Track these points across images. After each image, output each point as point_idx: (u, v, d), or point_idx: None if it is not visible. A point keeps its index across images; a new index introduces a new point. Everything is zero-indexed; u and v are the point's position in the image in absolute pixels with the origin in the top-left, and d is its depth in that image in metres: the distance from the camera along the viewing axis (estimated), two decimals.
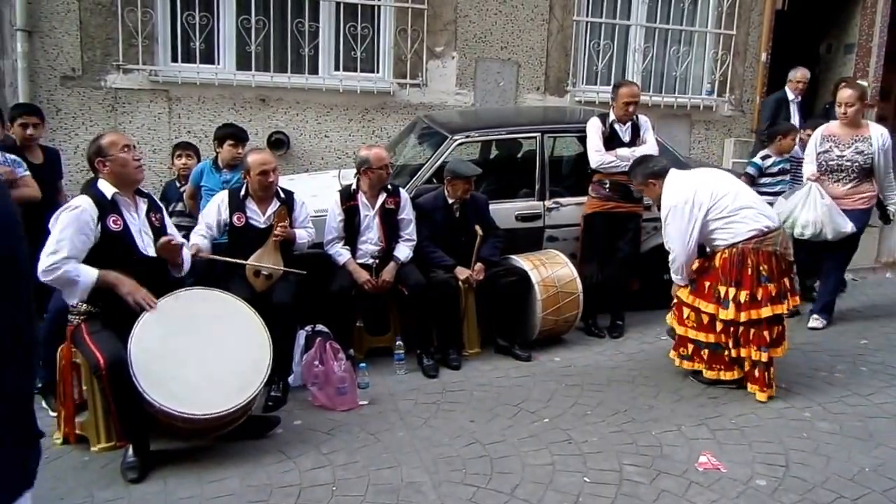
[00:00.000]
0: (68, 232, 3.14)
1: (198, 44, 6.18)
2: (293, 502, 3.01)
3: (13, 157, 4.04)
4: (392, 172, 4.54)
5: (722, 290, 3.87)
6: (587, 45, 7.37)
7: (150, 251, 3.38)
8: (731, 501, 3.04)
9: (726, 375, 4.05)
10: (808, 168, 4.98)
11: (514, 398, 4.00)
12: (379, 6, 6.64)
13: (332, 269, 4.38)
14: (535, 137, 5.13)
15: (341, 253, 4.40)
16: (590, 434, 3.59)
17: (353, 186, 4.48)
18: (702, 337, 4.01)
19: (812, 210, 4.73)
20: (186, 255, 3.58)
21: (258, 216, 4.11)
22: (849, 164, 4.80)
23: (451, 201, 4.59)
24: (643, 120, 5.03)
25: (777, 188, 5.47)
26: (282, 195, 4.18)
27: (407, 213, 4.53)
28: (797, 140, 5.55)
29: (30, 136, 4.40)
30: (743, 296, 3.82)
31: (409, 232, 4.53)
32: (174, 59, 6.22)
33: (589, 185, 4.97)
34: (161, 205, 3.65)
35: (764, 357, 3.90)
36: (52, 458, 3.33)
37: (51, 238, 3.15)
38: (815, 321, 5.14)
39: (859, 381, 4.26)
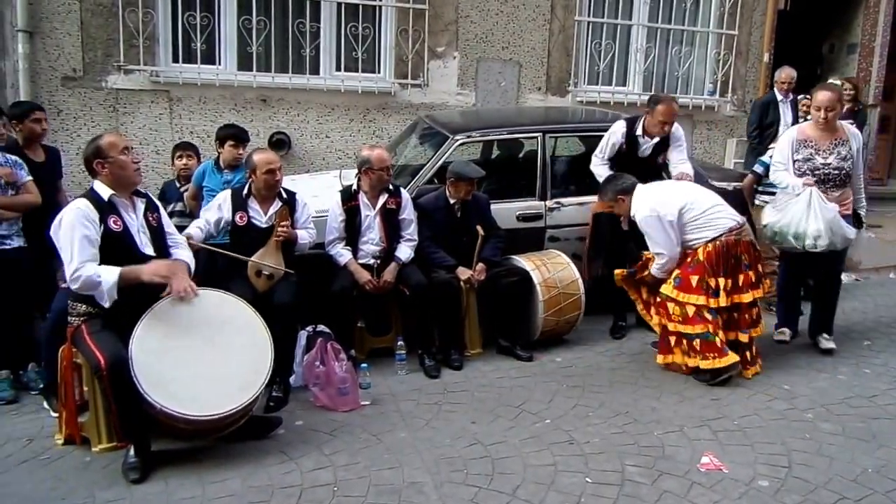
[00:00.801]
0: (74, 236, 3.14)
1: (199, 44, 6.18)
2: (294, 502, 3.01)
3: (14, 158, 4.03)
4: (393, 173, 4.54)
5: (711, 281, 4.10)
6: (589, 45, 7.36)
7: (149, 250, 3.37)
8: (733, 502, 3.03)
9: (722, 362, 4.10)
10: (788, 175, 4.49)
11: (516, 399, 3.99)
12: (380, 6, 6.64)
13: (333, 270, 4.37)
14: (536, 137, 5.12)
15: (342, 253, 4.40)
16: (592, 435, 3.58)
17: (354, 187, 4.48)
18: (689, 329, 4.12)
19: (820, 218, 4.31)
20: (191, 262, 3.57)
21: (260, 216, 4.11)
22: (836, 172, 4.41)
23: (452, 201, 4.58)
24: (676, 135, 4.87)
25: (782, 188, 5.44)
26: (284, 195, 4.18)
27: (408, 213, 4.52)
28: None
29: (43, 131, 4.38)
30: (728, 283, 4.13)
31: (411, 232, 4.53)
32: (175, 60, 6.22)
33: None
34: (159, 204, 3.64)
35: (745, 338, 4.27)
36: (54, 459, 3.34)
37: (63, 250, 3.16)
38: (829, 342, 4.75)
39: (862, 383, 4.25)
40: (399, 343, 4.36)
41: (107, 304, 3.18)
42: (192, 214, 4.67)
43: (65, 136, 5.88)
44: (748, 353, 4.30)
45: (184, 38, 6.17)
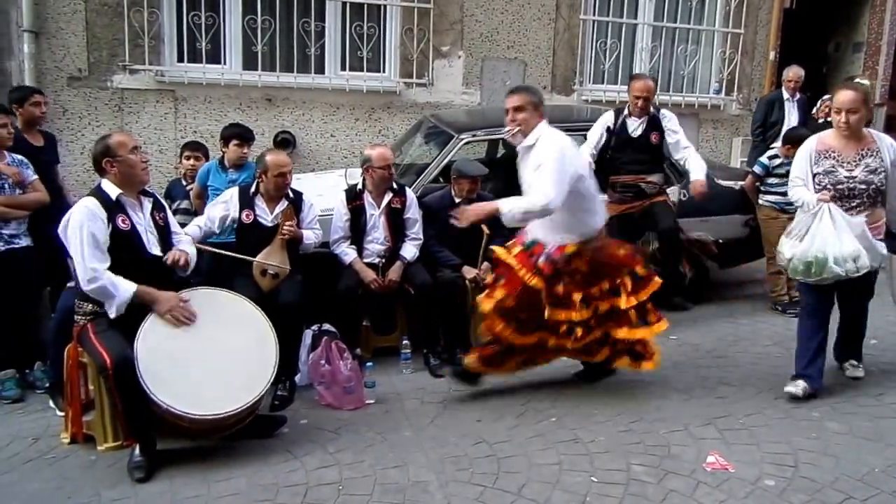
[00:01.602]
0: (84, 237, 3.14)
1: (204, 44, 6.19)
2: (300, 501, 3.01)
3: (20, 157, 4.05)
4: (396, 172, 4.53)
5: (576, 296, 3.66)
6: (594, 44, 7.36)
7: (156, 250, 3.37)
8: (739, 502, 3.02)
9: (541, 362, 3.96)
10: (805, 191, 3.87)
11: (521, 397, 3.98)
12: (385, 6, 6.64)
13: (338, 269, 4.37)
14: None
15: (347, 252, 4.40)
16: (597, 433, 3.57)
17: (360, 186, 4.48)
18: (526, 340, 3.82)
19: (847, 238, 3.65)
20: (193, 257, 3.58)
21: (266, 214, 4.12)
22: (863, 187, 3.72)
23: (457, 200, 4.57)
24: (667, 118, 4.91)
25: (783, 189, 5.42)
26: (290, 195, 4.19)
27: (413, 212, 4.52)
28: (793, 151, 5.44)
29: (42, 115, 4.48)
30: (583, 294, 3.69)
31: (416, 231, 4.53)
32: (180, 60, 6.24)
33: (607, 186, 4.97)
34: (165, 203, 3.65)
35: (622, 334, 3.80)
36: (60, 457, 3.34)
37: (73, 251, 3.16)
38: (858, 370, 4.27)
39: (869, 381, 4.22)
40: (404, 342, 4.36)
41: (113, 315, 3.19)
42: (197, 213, 4.68)
43: (69, 136, 5.90)
44: (634, 350, 3.91)
45: (189, 37, 6.19)
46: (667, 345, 4.77)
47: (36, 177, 4.06)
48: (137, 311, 3.20)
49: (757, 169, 5.53)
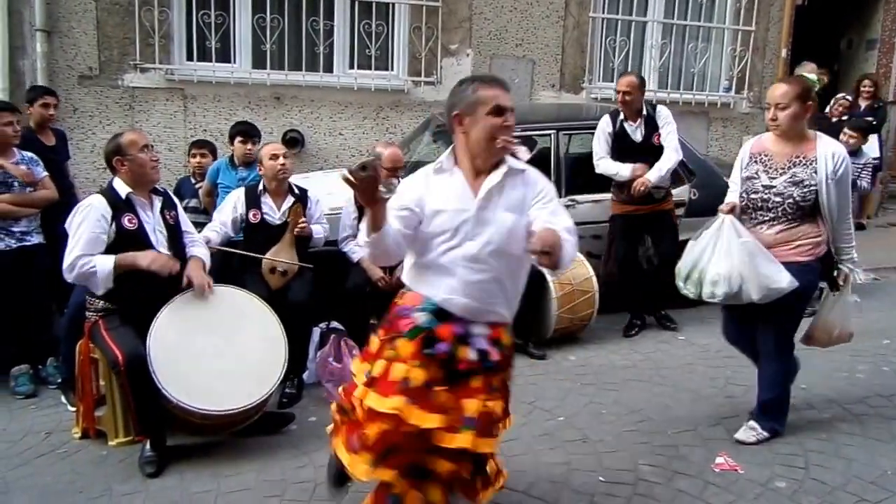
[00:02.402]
0: (81, 230, 3.18)
1: (213, 42, 6.22)
2: (308, 498, 3.02)
3: (30, 155, 4.08)
4: (403, 175, 4.51)
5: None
6: (603, 42, 7.32)
7: (163, 249, 3.39)
8: (748, 503, 3.00)
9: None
10: (729, 197, 3.43)
11: (529, 396, 3.98)
12: (393, 4, 6.64)
13: (347, 267, 4.38)
14: (549, 135, 5.10)
15: (356, 250, 4.39)
16: (605, 433, 3.56)
17: None
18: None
19: (726, 257, 3.18)
20: (207, 260, 3.59)
21: (273, 212, 4.13)
22: (779, 199, 3.19)
23: None
24: (662, 116, 4.82)
25: None
26: (296, 191, 4.20)
27: None
28: None
29: (50, 116, 4.52)
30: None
31: None
32: (190, 58, 6.27)
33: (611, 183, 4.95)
34: (176, 201, 3.67)
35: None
36: (71, 452, 3.37)
37: (69, 242, 3.19)
38: (747, 432, 3.46)
39: (881, 382, 4.19)
40: None
41: (100, 292, 3.21)
42: (207, 211, 4.71)
43: (80, 134, 5.93)
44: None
45: (199, 36, 6.21)
46: (675, 345, 4.78)
47: (46, 174, 4.09)
48: (149, 307, 3.22)
49: None
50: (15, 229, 3.92)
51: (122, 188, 3.31)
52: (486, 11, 6.85)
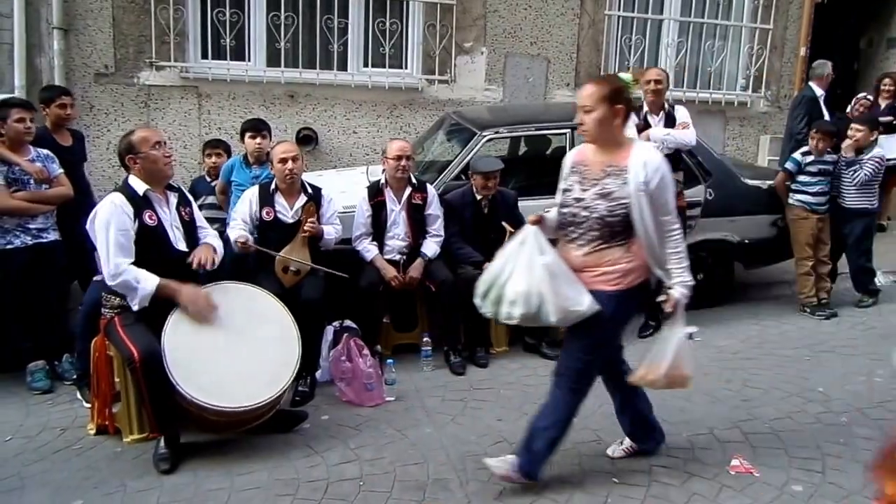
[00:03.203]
0: (110, 232, 3.18)
1: (228, 40, 6.23)
2: (320, 497, 3.02)
3: (46, 152, 4.09)
4: (412, 164, 4.50)
5: None
6: (619, 40, 7.27)
7: (182, 245, 3.40)
8: None
9: None
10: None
11: (542, 397, 3.89)
12: (408, 2, 6.63)
13: (360, 265, 4.38)
14: (564, 134, 5.07)
15: (369, 249, 4.40)
16: (619, 434, 3.51)
17: (382, 181, 4.48)
18: None
19: (526, 274, 2.78)
20: (220, 249, 3.60)
21: (286, 210, 4.13)
22: (586, 214, 2.81)
23: (478, 197, 4.56)
24: (680, 111, 4.85)
25: (816, 188, 5.33)
26: (309, 190, 4.20)
27: (434, 208, 4.51)
28: (824, 141, 5.34)
29: (68, 116, 4.50)
30: None
31: (437, 228, 4.51)
32: (204, 56, 6.28)
33: None
34: (191, 198, 3.68)
35: None
36: (86, 448, 3.39)
37: (99, 245, 3.20)
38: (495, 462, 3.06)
39: None
40: (425, 339, 4.35)
41: (135, 308, 3.22)
42: (222, 208, 4.72)
43: (96, 132, 5.97)
44: None
45: (213, 34, 6.22)
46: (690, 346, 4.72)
47: (61, 171, 4.11)
48: (163, 304, 3.23)
49: (789, 165, 5.43)
50: (31, 226, 3.95)
51: (139, 185, 3.32)
52: (500, 9, 6.82)
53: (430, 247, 4.46)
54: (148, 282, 3.19)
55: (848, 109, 6.97)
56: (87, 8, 5.87)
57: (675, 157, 4.92)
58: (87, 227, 3.26)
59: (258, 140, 4.64)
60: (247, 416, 3.31)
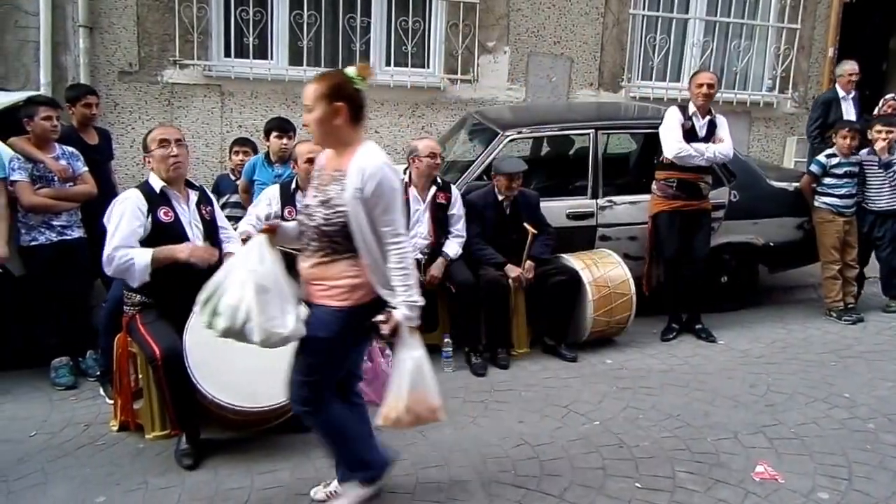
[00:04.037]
0: (118, 223, 3.22)
1: (251, 39, 6.25)
2: None
3: (70, 149, 4.13)
4: (442, 164, 4.51)
5: None
6: (643, 40, 7.20)
7: (200, 243, 3.41)
8: None
9: None
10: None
11: (564, 399, 3.93)
12: (430, 0, 6.61)
13: None
14: (588, 134, 5.03)
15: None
16: (642, 438, 3.51)
17: (405, 180, 4.47)
18: None
19: (238, 286, 2.56)
20: (238, 248, 3.60)
21: None
22: (309, 222, 2.64)
23: (500, 198, 4.53)
24: (720, 119, 4.87)
25: (843, 191, 5.24)
26: None
27: (457, 209, 4.49)
28: (855, 139, 5.27)
29: (93, 116, 4.55)
30: None
31: (459, 228, 4.50)
32: (227, 55, 6.30)
33: (653, 182, 4.86)
34: (212, 197, 3.69)
35: None
36: (109, 444, 3.41)
37: (108, 236, 3.23)
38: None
39: None
40: (446, 340, 4.33)
41: (135, 284, 3.24)
42: (245, 208, 4.73)
43: (120, 129, 6.01)
44: None
45: (236, 32, 6.24)
46: (714, 349, 4.68)
47: (85, 169, 4.15)
48: (185, 302, 3.23)
49: (814, 168, 5.36)
50: (55, 223, 3.99)
51: (157, 182, 3.35)
52: (523, 8, 6.78)
53: (452, 247, 4.44)
54: (141, 255, 3.20)
55: (875, 111, 6.85)
56: (112, 6, 5.92)
57: None
58: (105, 220, 3.30)
59: (284, 140, 4.66)
60: (267, 415, 3.31)
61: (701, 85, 4.71)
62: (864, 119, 6.34)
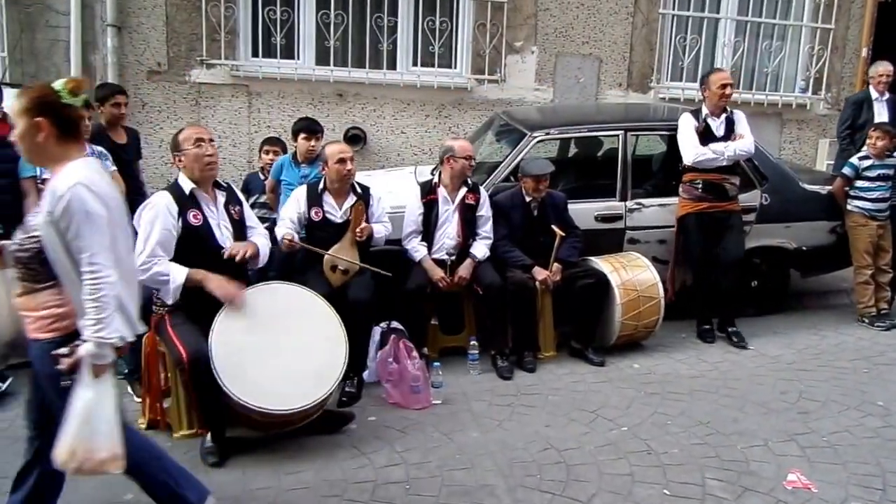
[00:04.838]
0: (152, 229, 3.23)
1: (278, 39, 6.28)
2: (367, 498, 3.01)
3: (100, 149, 4.17)
4: (474, 165, 4.49)
5: None
6: (673, 40, 7.11)
7: (229, 244, 3.41)
8: None
9: None
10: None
11: (591, 404, 3.89)
12: (458, 0, 6.58)
13: (408, 267, 4.35)
14: (616, 135, 4.97)
15: (418, 249, 4.37)
16: (670, 445, 3.46)
17: (435, 180, 4.45)
18: None
19: None
20: (264, 248, 3.61)
21: (335, 210, 4.13)
22: (11, 249, 2.50)
23: (528, 200, 4.50)
24: (738, 115, 4.81)
25: (876, 194, 5.13)
26: (358, 190, 4.19)
27: (486, 210, 4.47)
28: (887, 140, 5.15)
29: (121, 115, 4.60)
30: None
31: (487, 230, 4.47)
32: (255, 54, 6.34)
33: (679, 185, 4.80)
34: (241, 197, 3.69)
35: None
36: None
37: (138, 238, 3.23)
38: None
39: None
40: (472, 342, 4.31)
41: (170, 301, 3.26)
42: (272, 208, 4.76)
43: (148, 129, 6.07)
44: None
45: (264, 32, 6.28)
46: (744, 356, 4.61)
47: (114, 168, 4.19)
48: (212, 304, 3.25)
49: (846, 171, 5.25)
50: None
51: (186, 184, 3.36)
52: (552, 8, 6.73)
53: (480, 248, 4.41)
54: (177, 274, 3.23)
55: None
56: (140, 6, 5.98)
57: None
58: (134, 222, 3.30)
59: (312, 142, 4.67)
60: (292, 417, 3.31)
61: (724, 86, 4.67)
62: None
